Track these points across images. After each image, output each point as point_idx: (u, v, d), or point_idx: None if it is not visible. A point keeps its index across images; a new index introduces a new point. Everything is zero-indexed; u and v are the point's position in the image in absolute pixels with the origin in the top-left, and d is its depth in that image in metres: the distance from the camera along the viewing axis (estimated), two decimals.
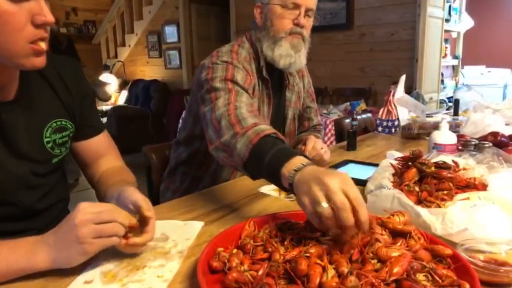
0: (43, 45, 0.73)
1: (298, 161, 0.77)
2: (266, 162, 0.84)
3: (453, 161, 1.00)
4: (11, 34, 0.69)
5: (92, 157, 1.03)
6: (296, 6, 1.24)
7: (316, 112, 1.60)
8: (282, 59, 1.27)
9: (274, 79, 1.36)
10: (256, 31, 1.33)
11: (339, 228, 0.65)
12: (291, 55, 1.27)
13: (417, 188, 0.91)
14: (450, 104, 3.75)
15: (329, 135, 2.98)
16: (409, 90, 3.47)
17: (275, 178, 0.81)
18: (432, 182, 0.90)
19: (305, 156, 0.81)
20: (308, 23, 1.29)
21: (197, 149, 1.37)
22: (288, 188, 0.77)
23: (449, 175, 0.90)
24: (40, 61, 0.75)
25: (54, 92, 0.91)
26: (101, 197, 0.98)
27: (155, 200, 1.55)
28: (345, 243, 0.65)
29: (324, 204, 0.64)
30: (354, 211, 0.63)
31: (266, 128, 0.94)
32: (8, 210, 0.86)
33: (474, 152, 1.14)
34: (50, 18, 0.71)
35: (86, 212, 0.66)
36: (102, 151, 1.04)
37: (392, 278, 0.57)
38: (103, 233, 0.66)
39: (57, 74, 0.92)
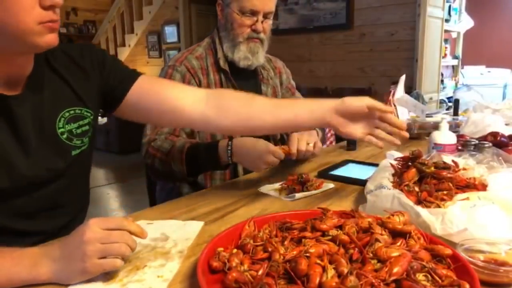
0: (55, 24, 0.73)
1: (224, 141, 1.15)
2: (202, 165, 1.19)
3: (452, 161, 1.00)
4: (20, 14, 0.69)
5: (154, 101, 0.93)
6: (254, 13, 1.30)
7: None
8: (241, 61, 1.37)
9: (241, 72, 1.41)
10: (219, 29, 1.40)
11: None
12: (249, 58, 1.37)
13: (416, 188, 0.91)
14: (450, 104, 3.75)
15: (328, 135, 2.98)
16: (409, 90, 3.47)
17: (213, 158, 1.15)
18: (431, 182, 0.90)
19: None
20: (267, 25, 1.36)
21: None
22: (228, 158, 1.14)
23: (448, 175, 0.90)
24: (53, 38, 0.74)
25: (65, 82, 0.88)
26: (228, 124, 0.95)
27: (154, 200, 1.55)
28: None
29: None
30: None
31: (180, 144, 1.20)
32: (29, 206, 0.84)
33: (474, 152, 1.14)
34: (58, 0, 0.71)
35: (96, 230, 0.65)
36: (160, 89, 0.95)
37: (392, 278, 0.57)
38: (109, 253, 0.65)
39: (69, 60, 0.89)
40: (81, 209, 1.00)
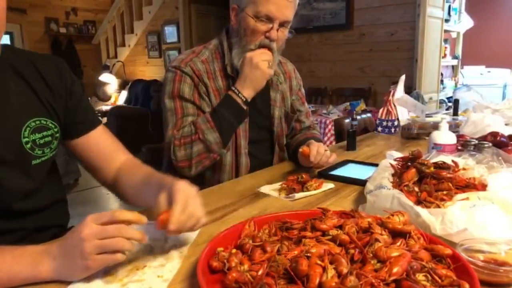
0: None
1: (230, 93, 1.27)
2: (229, 120, 1.26)
3: (452, 161, 1.00)
4: None
5: (95, 154, 0.98)
6: (270, 19, 1.24)
7: (307, 114, 1.58)
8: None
9: None
10: (232, 32, 1.35)
11: None
12: None
13: (416, 189, 0.91)
14: (450, 104, 3.75)
15: (328, 135, 2.98)
16: (408, 90, 3.48)
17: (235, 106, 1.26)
18: (431, 182, 0.90)
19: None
20: (282, 34, 1.30)
21: None
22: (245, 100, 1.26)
23: (448, 175, 0.91)
24: None
25: (32, 91, 0.87)
26: (123, 196, 0.96)
27: None
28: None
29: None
30: None
31: (201, 118, 1.25)
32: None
33: (474, 152, 1.14)
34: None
35: (92, 226, 0.65)
36: (104, 147, 1.00)
37: (391, 278, 0.57)
38: (107, 249, 0.64)
39: (36, 71, 0.88)
40: (57, 215, 1.00)
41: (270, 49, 1.28)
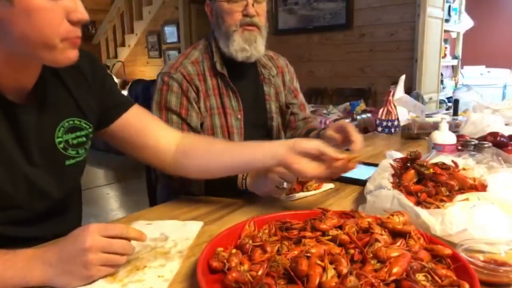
0: (78, 40, 0.73)
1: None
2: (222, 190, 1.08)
3: (452, 161, 1.00)
4: (46, 29, 0.68)
5: (134, 133, 0.96)
6: None
7: (302, 106, 1.54)
8: (238, 54, 1.27)
9: (239, 72, 1.35)
10: (214, 30, 1.34)
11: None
12: (245, 48, 1.26)
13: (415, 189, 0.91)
14: (450, 104, 3.75)
15: None
16: (408, 90, 3.47)
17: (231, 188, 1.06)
18: (430, 184, 0.90)
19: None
20: (260, 8, 1.27)
21: None
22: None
23: (445, 180, 0.90)
24: (75, 54, 0.74)
25: (67, 91, 0.87)
26: (190, 173, 0.98)
27: (154, 200, 1.55)
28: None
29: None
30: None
31: None
32: (21, 215, 0.83)
33: (474, 152, 1.14)
34: (85, 15, 0.72)
35: (97, 238, 0.65)
36: (145, 124, 0.97)
37: (391, 278, 0.57)
38: (110, 263, 0.66)
39: (72, 68, 0.86)
40: (76, 216, 1.00)
41: (254, 24, 1.26)
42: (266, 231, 0.75)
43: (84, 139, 0.89)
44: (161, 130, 1.00)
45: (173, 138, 1.00)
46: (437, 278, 0.58)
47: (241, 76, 1.36)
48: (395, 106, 2.03)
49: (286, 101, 1.50)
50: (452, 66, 5.21)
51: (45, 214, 0.87)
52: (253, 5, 1.24)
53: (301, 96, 1.58)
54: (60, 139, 0.85)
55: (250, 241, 0.71)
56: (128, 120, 0.95)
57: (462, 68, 5.27)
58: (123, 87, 6.50)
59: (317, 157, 0.89)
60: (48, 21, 0.68)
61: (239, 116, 1.34)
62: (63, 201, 0.90)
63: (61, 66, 0.76)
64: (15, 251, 0.67)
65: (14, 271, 0.64)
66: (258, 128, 1.43)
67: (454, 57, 5.07)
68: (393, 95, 2.04)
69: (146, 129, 0.97)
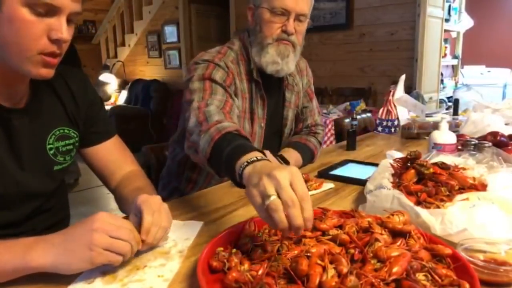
0: (54, 60, 0.77)
1: (253, 155, 0.76)
2: (224, 157, 0.83)
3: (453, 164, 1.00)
4: (26, 41, 0.73)
5: (103, 164, 1.02)
6: (285, 12, 1.20)
7: (313, 111, 1.53)
8: (268, 66, 1.25)
9: (268, 79, 1.32)
10: (250, 34, 1.32)
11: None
12: (277, 62, 1.24)
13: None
14: (450, 104, 3.76)
15: (328, 135, 2.98)
16: (408, 90, 3.47)
17: (231, 172, 0.79)
18: (430, 184, 0.90)
19: (263, 153, 0.80)
20: (300, 28, 1.25)
21: None
22: (239, 180, 0.76)
23: (446, 180, 0.90)
24: (46, 72, 0.77)
25: (59, 101, 0.93)
26: (120, 206, 0.99)
27: None
28: (288, 239, 0.69)
29: (273, 197, 0.63)
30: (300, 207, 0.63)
31: (229, 125, 0.95)
32: (9, 216, 0.86)
33: (474, 152, 1.14)
34: (65, 36, 0.75)
35: (105, 221, 0.66)
36: (114, 157, 1.03)
37: (391, 278, 0.57)
38: (115, 249, 0.65)
39: (65, 84, 0.94)
40: (58, 219, 1.02)
41: (289, 42, 1.24)
42: (266, 231, 0.75)
43: (71, 147, 0.96)
44: (121, 166, 1.04)
45: (123, 171, 1.03)
46: (437, 278, 0.58)
47: (270, 83, 1.34)
48: (395, 105, 2.03)
49: (301, 105, 1.50)
50: (452, 66, 5.21)
51: (31, 213, 0.91)
52: (295, 21, 1.22)
53: (315, 101, 1.56)
54: (51, 146, 0.91)
55: (250, 241, 0.71)
56: (103, 150, 1.02)
57: (462, 67, 5.27)
58: (123, 87, 6.51)
59: None
60: (29, 33, 0.72)
61: (262, 125, 1.34)
62: (48, 200, 0.95)
63: (34, 78, 0.81)
64: (18, 238, 0.67)
65: (13, 254, 0.64)
66: (275, 135, 1.43)
67: (454, 56, 5.07)
68: (393, 95, 2.04)
69: (112, 163, 1.03)
